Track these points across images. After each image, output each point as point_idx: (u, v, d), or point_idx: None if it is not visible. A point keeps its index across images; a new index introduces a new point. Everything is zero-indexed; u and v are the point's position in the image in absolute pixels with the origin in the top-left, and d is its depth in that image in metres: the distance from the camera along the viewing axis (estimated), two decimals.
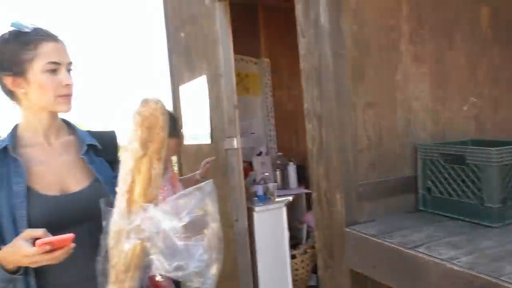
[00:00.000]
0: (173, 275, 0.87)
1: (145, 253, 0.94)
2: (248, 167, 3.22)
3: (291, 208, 3.05)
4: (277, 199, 2.85)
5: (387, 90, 1.57)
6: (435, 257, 1.11)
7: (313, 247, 3.07)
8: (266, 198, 2.84)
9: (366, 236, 1.36)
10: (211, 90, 2.59)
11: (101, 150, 1.12)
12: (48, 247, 0.86)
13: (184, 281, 0.89)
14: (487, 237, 1.23)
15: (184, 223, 0.88)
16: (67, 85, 1.03)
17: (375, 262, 1.33)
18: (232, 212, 2.50)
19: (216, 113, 2.48)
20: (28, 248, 0.87)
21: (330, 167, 1.51)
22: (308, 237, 3.22)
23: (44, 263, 0.90)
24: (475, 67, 1.75)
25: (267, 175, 3.12)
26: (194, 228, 0.91)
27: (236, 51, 2.50)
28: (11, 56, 1.00)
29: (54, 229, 0.96)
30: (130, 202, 0.92)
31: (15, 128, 1.08)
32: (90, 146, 1.11)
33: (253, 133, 3.60)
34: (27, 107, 1.05)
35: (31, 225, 0.97)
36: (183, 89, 3.07)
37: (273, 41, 3.62)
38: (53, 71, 1.02)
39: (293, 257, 2.92)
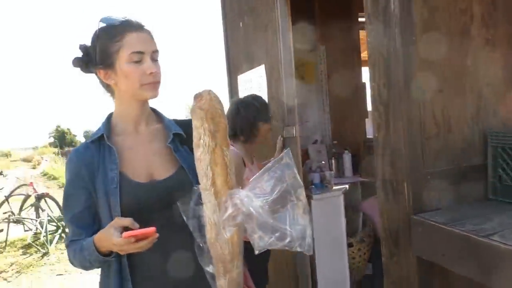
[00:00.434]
0: (275, 247, 0.91)
1: (242, 238, 0.99)
2: (304, 155, 3.25)
3: (347, 197, 3.04)
4: (334, 187, 2.87)
5: (457, 76, 1.54)
6: (510, 245, 1.09)
7: (369, 236, 3.06)
8: (323, 186, 2.85)
9: (436, 224, 1.36)
10: (270, 78, 2.63)
11: (186, 139, 1.14)
12: (132, 239, 0.93)
13: (287, 248, 0.92)
14: None
15: (272, 198, 0.91)
16: (151, 73, 1.06)
17: (444, 250, 1.33)
18: None
19: (274, 102, 2.53)
20: (116, 238, 0.94)
21: (397, 154, 1.51)
22: (364, 225, 3.21)
23: (130, 252, 0.98)
24: None
25: (323, 163, 3.13)
26: (282, 198, 0.93)
27: (292, 39, 2.51)
28: (102, 50, 1.08)
29: (142, 215, 1.04)
30: (216, 194, 0.95)
31: (109, 117, 1.16)
32: (176, 135, 1.15)
33: (307, 121, 3.61)
34: (118, 97, 1.13)
35: (122, 210, 1.04)
36: (241, 78, 3.14)
37: (329, 29, 3.58)
38: (137, 61, 1.05)
39: (350, 245, 2.93)
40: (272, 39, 2.52)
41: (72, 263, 1.10)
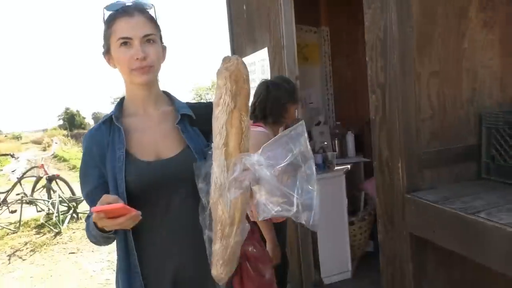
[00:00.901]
0: (281, 215, 0.91)
1: (246, 205, 0.97)
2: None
3: (349, 176, 3.10)
4: (336, 168, 2.93)
5: (453, 58, 1.57)
6: (495, 222, 1.15)
7: (370, 214, 3.13)
8: (325, 166, 2.92)
9: (427, 202, 1.41)
10: (273, 62, 2.67)
11: (196, 120, 1.18)
12: (102, 214, 0.94)
13: (293, 219, 0.92)
14: None
15: (282, 165, 0.91)
16: (137, 58, 1.07)
17: (434, 227, 1.39)
18: None
19: None
20: (95, 214, 0.96)
21: (393, 136, 1.56)
22: (366, 204, 3.28)
23: (112, 228, 0.99)
24: None
25: (325, 144, 3.18)
26: (292, 167, 0.93)
27: (295, 21, 2.53)
28: (103, 36, 1.14)
29: (148, 193, 1.09)
30: (227, 155, 0.94)
31: (122, 100, 1.21)
32: (185, 116, 1.18)
33: (311, 102, 3.65)
34: (124, 81, 1.18)
35: (128, 188, 1.08)
36: (246, 60, 3.17)
37: (333, 10, 3.59)
38: (126, 45, 1.08)
39: (351, 223, 3.00)
40: (274, 21, 2.54)
41: (88, 238, 1.15)
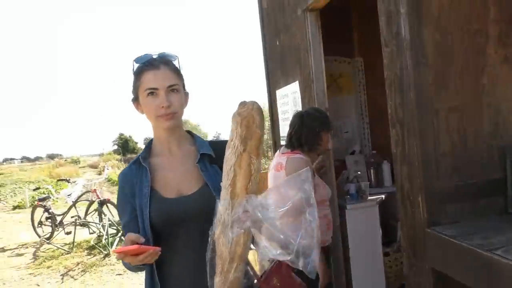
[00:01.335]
0: (280, 258, 0.96)
1: (248, 244, 1.01)
2: (341, 166, 3.33)
3: (386, 206, 3.08)
4: (369, 198, 2.92)
5: (473, 94, 1.59)
6: (510, 260, 1.15)
7: None
8: (358, 196, 2.92)
9: (446, 237, 1.42)
10: (304, 94, 2.77)
11: (215, 159, 1.27)
12: (122, 254, 1.07)
13: (291, 264, 0.96)
14: None
15: (284, 209, 0.96)
16: (163, 107, 1.18)
17: (453, 262, 1.39)
18: None
19: None
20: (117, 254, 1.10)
21: (412, 170, 1.59)
22: None
23: (136, 264, 1.10)
24: None
25: (359, 173, 3.19)
26: (295, 212, 0.98)
27: (329, 53, 2.63)
28: (132, 86, 1.29)
29: (169, 227, 1.18)
30: (233, 195, 0.99)
31: (150, 141, 1.36)
32: (205, 155, 1.28)
33: (347, 132, 3.68)
34: (151, 125, 1.32)
35: (151, 222, 1.18)
36: (279, 93, 3.30)
37: (366, 40, 3.64)
38: (153, 95, 1.21)
39: (386, 254, 2.96)
40: (304, 56, 2.66)
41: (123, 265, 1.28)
